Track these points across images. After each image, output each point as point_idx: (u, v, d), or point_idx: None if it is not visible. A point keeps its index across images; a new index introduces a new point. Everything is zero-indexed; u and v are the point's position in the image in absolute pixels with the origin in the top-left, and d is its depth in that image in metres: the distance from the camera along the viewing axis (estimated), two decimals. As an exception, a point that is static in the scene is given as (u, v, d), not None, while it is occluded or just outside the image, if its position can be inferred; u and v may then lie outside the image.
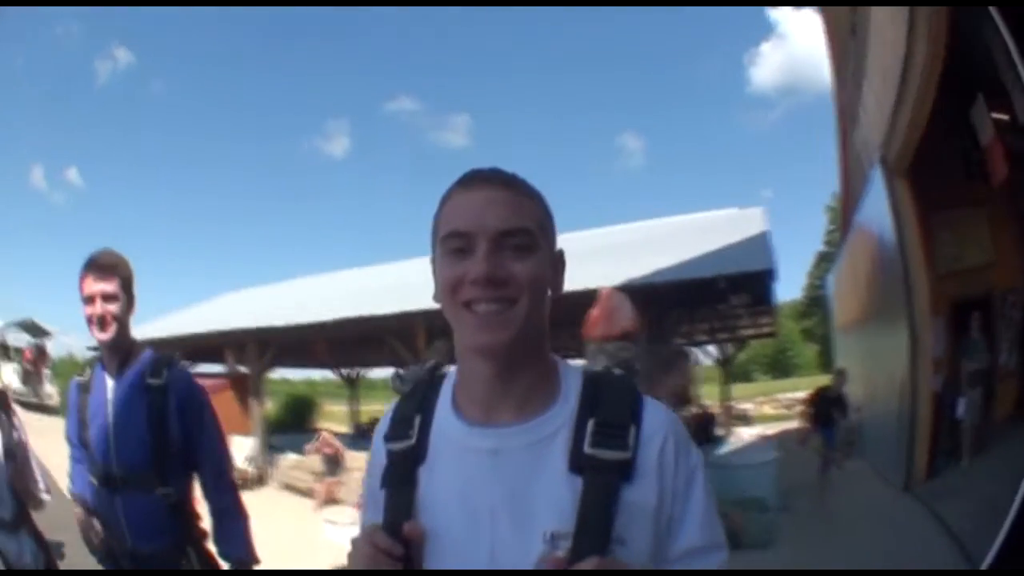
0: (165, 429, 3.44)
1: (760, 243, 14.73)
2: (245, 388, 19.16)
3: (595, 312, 9.73)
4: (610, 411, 1.52)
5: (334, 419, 30.63)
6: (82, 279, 3.40)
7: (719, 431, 22.53)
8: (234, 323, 20.42)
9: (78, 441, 3.64)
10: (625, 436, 1.49)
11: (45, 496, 4.01)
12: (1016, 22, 2.21)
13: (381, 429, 1.68)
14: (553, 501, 1.45)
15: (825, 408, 12.04)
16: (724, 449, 16.87)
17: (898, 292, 8.07)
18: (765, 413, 30.56)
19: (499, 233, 1.47)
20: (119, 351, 3.50)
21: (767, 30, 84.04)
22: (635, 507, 1.46)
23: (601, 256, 16.96)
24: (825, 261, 31.85)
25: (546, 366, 1.59)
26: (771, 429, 22.34)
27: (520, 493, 1.48)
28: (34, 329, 32.26)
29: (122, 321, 3.46)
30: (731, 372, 26.61)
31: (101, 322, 3.38)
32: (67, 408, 3.85)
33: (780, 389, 35.85)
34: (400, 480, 1.60)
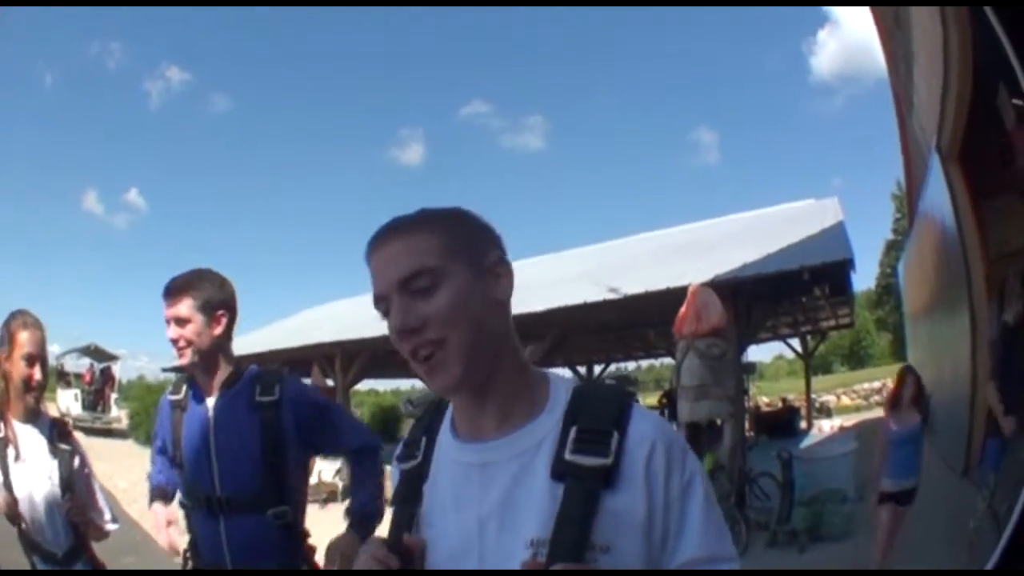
0: (281, 445, 3.36)
1: (837, 233, 14.58)
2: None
3: (684, 310, 9.90)
4: (592, 418, 1.55)
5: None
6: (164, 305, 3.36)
7: (802, 424, 22.47)
8: (320, 336, 20.66)
9: (172, 462, 3.58)
10: (607, 443, 1.51)
11: (111, 527, 3.98)
12: (1013, 22, 2.23)
13: (395, 452, 1.79)
14: (536, 508, 1.50)
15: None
16: (807, 442, 16.78)
17: (959, 278, 7.99)
18: (844, 404, 30.15)
19: (399, 283, 1.54)
20: (211, 372, 3.44)
21: (821, 17, 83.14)
22: (620, 515, 1.49)
23: (685, 253, 16.95)
24: (894, 249, 31.36)
25: (521, 378, 1.64)
26: (850, 420, 22.04)
27: (507, 503, 1.54)
28: (98, 354, 32.38)
29: (203, 342, 3.38)
30: (812, 364, 26.31)
31: (177, 346, 3.36)
32: (157, 425, 3.77)
33: (857, 380, 35.27)
34: (406, 497, 1.70)
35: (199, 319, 3.36)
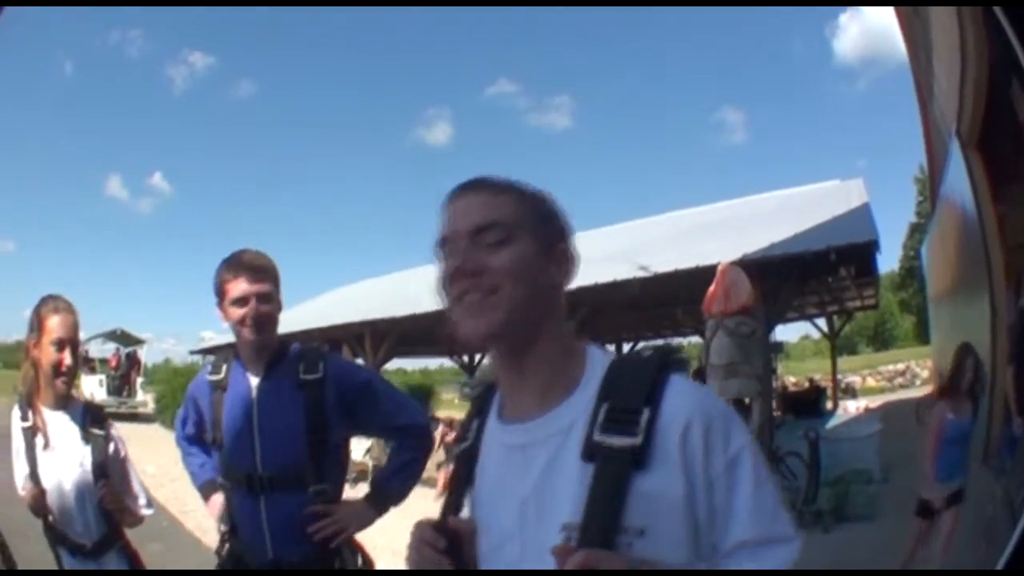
0: (325, 423, 3.36)
1: (863, 214, 14.57)
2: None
3: (713, 288, 10.01)
4: (622, 395, 1.53)
5: (451, 407, 30.70)
6: (229, 280, 3.32)
7: (828, 405, 22.43)
8: (350, 316, 20.88)
9: (211, 441, 3.57)
10: (636, 421, 1.48)
11: (146, 512, 3.99)
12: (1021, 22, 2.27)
13: (454, 435, 1.91)
14: (569, 492, 1.50)
15: None
16: (832, 422, 16.81)
17: (979, 264, 7.99)
18: (869, 385, 30.06)
19: (472, 231, 1.59)
20: (267, 350, 3.45)
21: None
22: (655, 497, 1.46)
23: (714, 232, 16.96)
24: (918, 232, 31.19)
25: (564, 355, 1.66)
26: (875, 401, 22.00)
27: (543, 486, 1.56)
28: (125, 338, 32.58)
29: (275, 321, 3.43)
30: (837, 345, 26.20)
31: (257, 323, 3.32)
32: (188, 407, 3.76)
33: (882, 361, 35.15)
34: (459, 478, 1.76)
35: (278, 297, 3.44)
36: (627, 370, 1.59)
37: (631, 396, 1.52)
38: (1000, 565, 2.10)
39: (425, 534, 1.63)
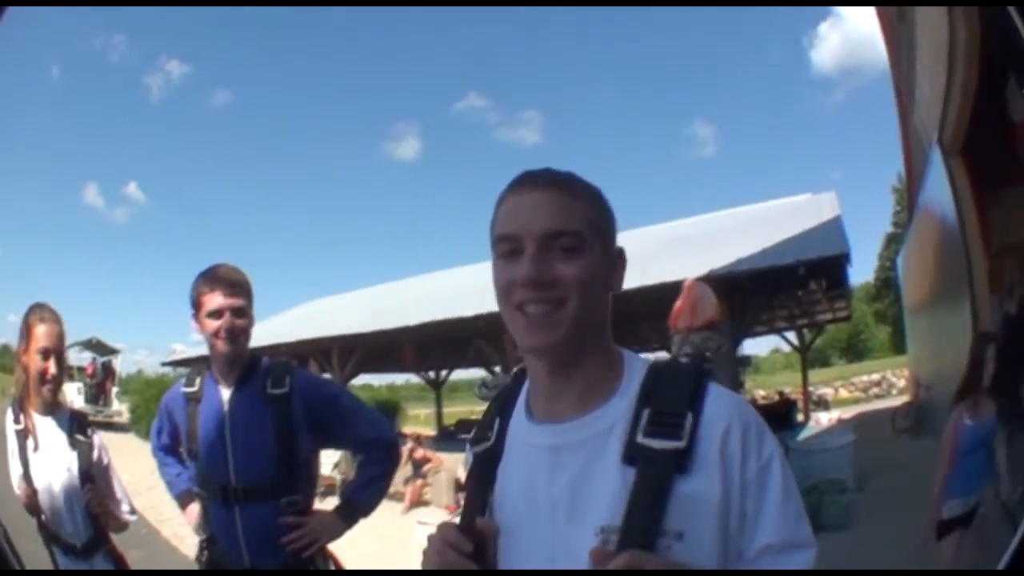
0: (292, 437, 3.39)
1: (834, 227, 14.65)
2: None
3: (679, 304, 9.94)
4: (666, 400, 1.49)
5: (418, 422, 30.62)
6: (205, 293, 3.34)
7: (799, 417, 22.53)
8: (317, 331, 20.61)
9: (187, 454, 3.58)
10: (680, 425, 1.45)
11: (129, 517, 4.03)
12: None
13: (471, 436, 1.79)
14: (607, 494, 1.45)
15: None
16: (804, 434, 16.86)
17: (960, 272, 8.02)
18: (842, 397, 30.28)
19: (546, 235, 1.49)
20: (239, 363, 3.45)
21: (823, 10, 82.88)
22: (694, 500, 1.42)
23: (682, 248, 17.01)
24: (894, 242, 31.48)
25: (607, 360, 1.59)
26: (848, 413, 22.15)
27: (577, 488, 1.49)
28: (100, 348, 32.20)
29: (248, 335, 3.43)
30: (809, 358, 26.35)
31: (231, 335, 3.34)
32: (163, 419, 3.77)
33: (855, 373, 35.44)
34: (479, 479, 1.66)
35: (251, 312, 3.44)
36: (667, 376, 1.56)
37: (674, 400, 1.49)
38: (1002, 565, 2.03)
39: (449, 536, 1.54)
